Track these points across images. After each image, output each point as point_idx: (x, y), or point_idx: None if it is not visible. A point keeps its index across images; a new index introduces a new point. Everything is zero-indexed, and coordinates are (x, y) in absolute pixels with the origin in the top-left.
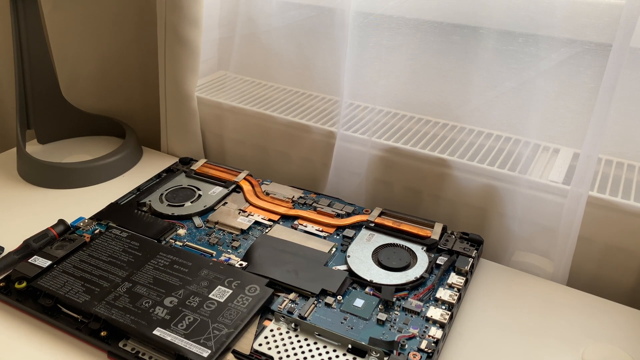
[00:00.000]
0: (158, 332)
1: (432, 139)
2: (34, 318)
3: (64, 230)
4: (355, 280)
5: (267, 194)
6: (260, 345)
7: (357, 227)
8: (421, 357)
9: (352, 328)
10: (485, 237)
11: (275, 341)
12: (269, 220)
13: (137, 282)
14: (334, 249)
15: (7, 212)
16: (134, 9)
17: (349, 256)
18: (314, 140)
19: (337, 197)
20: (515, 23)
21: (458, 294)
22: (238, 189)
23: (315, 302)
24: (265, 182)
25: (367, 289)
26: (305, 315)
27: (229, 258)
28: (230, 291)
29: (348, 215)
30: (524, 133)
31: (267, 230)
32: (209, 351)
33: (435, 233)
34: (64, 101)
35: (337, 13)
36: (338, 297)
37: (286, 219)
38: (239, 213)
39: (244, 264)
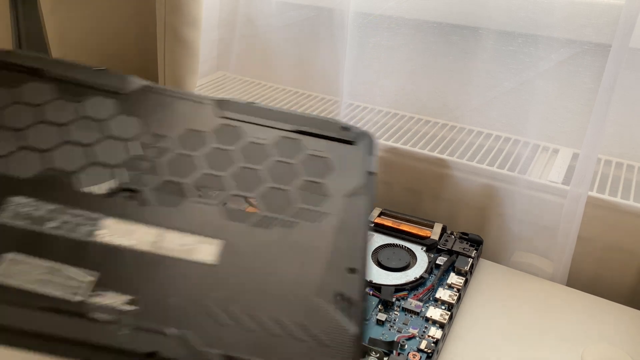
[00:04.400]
0: None
1: (432, 139)
2: None
3: None
4: None
5: None
6: None
7: None
8: (421, 357)
9: None
10: (485, 237)
11: None
12: None
13: None
14: None
15: None
16: (134, 9)
17: None
18: None
19: None
20: (515, 23)
21: (458, 294)
22: None
23: None
24: None
25: (366, 289)
26: None
27: None
28: None
29: None
30: (524, 133)
31: None
32: None
33: (434, 233)
34: None
35: (336, 13)
36: None
37: None
38: None
39: None
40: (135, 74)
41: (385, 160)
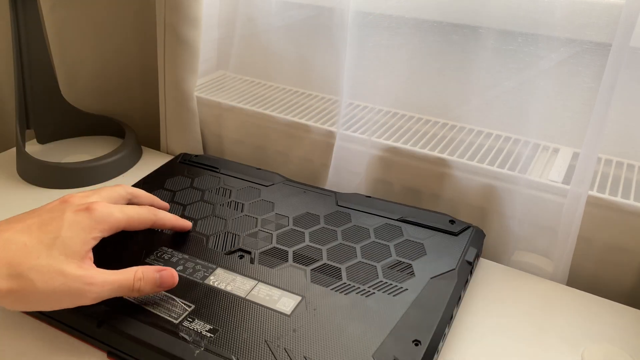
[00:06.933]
0: None
1: (432, 138)
2: (33, 318)
3: None
4: None
5: None
6: None
7: None
8: None
9: None
10: (485, 237)
11: None
12: None
13: None
14: None
15: (7, 212)
16: (134, 8)
17: None
18: (314, 140)
19: None
20: (515, 22)
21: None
22: None
23: None
24: None
25: None
26: None
27: None
28: None
29: None
30: (524, 133)
31: None
32: None
33: None
34: (64, 101)
35: (336, 13)
36: None
37: None
38: None
39: None
40: (135, 74)
41: (385, 160)
